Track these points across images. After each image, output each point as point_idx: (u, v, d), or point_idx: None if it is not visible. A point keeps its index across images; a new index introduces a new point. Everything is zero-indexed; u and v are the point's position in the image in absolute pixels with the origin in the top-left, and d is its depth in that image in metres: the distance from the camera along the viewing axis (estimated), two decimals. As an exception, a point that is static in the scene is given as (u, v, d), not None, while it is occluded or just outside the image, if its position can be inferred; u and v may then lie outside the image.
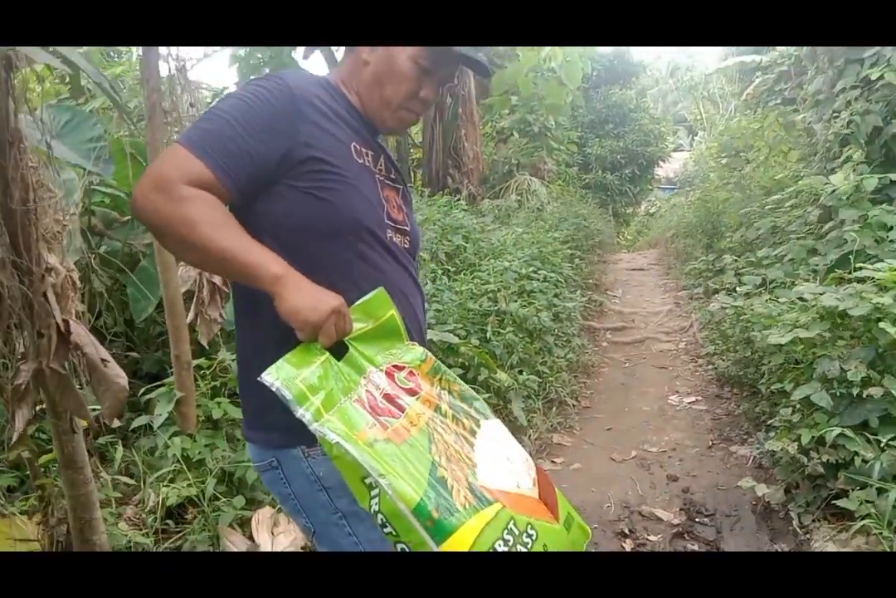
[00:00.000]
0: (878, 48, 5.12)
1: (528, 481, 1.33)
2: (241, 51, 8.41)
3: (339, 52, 8.27)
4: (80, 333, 2.24)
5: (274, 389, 1.14)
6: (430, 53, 1.35)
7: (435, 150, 9.94)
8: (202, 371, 3.24)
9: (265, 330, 1.32)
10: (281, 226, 1.28)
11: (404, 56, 1.35)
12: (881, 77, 4.97)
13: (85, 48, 5.68)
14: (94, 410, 2.40)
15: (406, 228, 1.45)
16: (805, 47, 7.90)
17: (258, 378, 1.15)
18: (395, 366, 1.29)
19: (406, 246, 1.45)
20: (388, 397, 1.23)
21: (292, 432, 1.23)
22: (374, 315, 1.29)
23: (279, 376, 1.15)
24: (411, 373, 1.30)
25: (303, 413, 1.13)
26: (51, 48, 1.94)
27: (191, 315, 3.13)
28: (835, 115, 5.79)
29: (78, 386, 2.28)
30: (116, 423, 2.81)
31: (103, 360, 2.28)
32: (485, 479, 1.23)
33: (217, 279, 3.16)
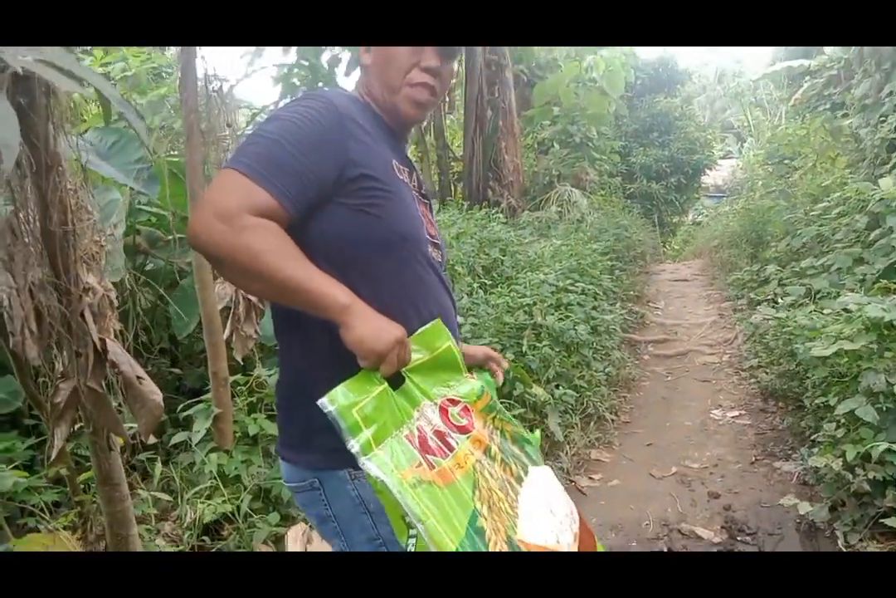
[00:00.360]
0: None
1: (569, 537, 1.31)
2: (285, 68, 8.57)
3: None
4: (117, 351, 2.29)
5: (330, 416, 1.13)
6: None
7: (475, 162, 9.97)
8: (239, 387, 3.29)
9: (310, 351, 1.32)
10: (331, 245, 1.27)
11: None
12: (930, 80, 4.85)
13: (133, 70, 5.90)
14: (130, 427, 2.45)
15: (439, 242, 1.47)
16: (852, 49, 7.73)
17: (317, 402, 1.13)
18: (450, 400, 1.28)
19: (439, 260, 1.46)
20: (439, 434, 1.22)
21: (339, 455, 1.20)
22: (431, 346, 1.29)
23: (337, 402, 1.14)
24: (466, 409, 1.29)
25: (353, 444, 1.12)
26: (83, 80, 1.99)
27: (227, 332, 3.18)
28: (882, 119, 5.66)
29: (115, 404, 2.33)
30: (153, 439, 2.86)
31: (139, 377, 2.32)
32: (525, 532, 1.22)
33: (253, 296, 3.20)
